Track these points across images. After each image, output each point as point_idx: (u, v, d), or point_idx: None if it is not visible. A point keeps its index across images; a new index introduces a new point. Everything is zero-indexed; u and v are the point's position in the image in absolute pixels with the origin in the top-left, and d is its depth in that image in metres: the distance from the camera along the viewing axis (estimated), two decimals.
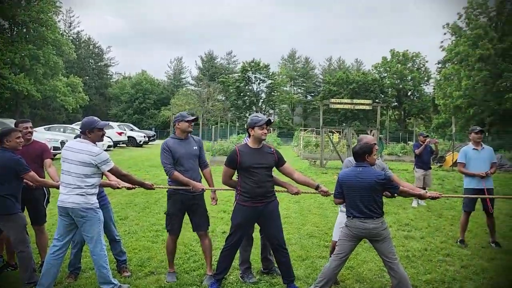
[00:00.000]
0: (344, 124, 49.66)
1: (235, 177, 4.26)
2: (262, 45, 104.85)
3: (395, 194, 4.00)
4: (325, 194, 4.31)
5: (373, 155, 3.99)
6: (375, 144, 4.34)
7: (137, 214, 7.66)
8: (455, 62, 38.32)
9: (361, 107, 16.46)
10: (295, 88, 67.67)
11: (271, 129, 42.24)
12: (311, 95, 65.07)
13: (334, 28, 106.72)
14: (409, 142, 30.58)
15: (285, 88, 62.39)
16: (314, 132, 35.66)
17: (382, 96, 56.07)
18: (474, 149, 6.04)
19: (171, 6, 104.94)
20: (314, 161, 18.16)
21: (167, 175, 4.43)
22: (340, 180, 4.01)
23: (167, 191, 4.52)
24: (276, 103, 58.98)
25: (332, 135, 23.29)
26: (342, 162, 16.54)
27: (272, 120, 4.43)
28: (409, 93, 58.14)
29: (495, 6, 36.08)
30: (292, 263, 4.41)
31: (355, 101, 16.91)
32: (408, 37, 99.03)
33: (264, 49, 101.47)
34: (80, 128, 4.14)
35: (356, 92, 51.83)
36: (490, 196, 5.69)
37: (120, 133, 25.98)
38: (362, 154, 3.95)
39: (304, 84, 66.69)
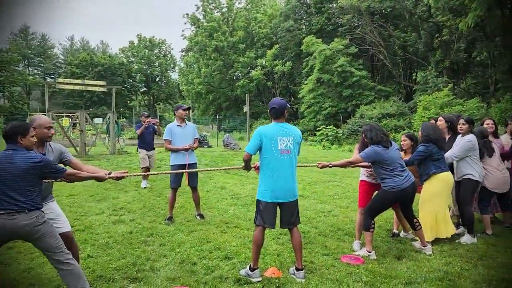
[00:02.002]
0: (91, 109, 46.69)
1: None
2: None
3: (62, 178, 3.37)
4: None
5: (30, 136, 3.23)
6: (50, 127, 3.59)
7: None
8: (196, 51, 41.05)
9: (94, 88, 15.27)
10: (30, 69, 59.20)
11: None
12: (51, 77, 58.24)
13: (77, 5, 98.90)
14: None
15: (17, 68, 53.65)
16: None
17: (130, 81, 55.42)
18: (178, 125, 6.07)
19: None
20: None
21: None
22: None
23: None
24: (5, 85, 49.96)
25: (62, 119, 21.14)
26: (75, 148, 15.11)
27: None
28: (157, 79, 59.50)
29: (226, 2, 40.27)
30: None
31: (86, 81, 15.53)
32: (154, 23, 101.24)
33: None
34: None
35: (102, 75, 49.28)
36: (191, 170, 5.80)
37: None
38: (13, 136, 3.14)
39: (42, 65, 59.12)
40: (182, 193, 7.74)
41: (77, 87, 14.75)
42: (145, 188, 8.59)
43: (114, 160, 13.20)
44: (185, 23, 42.85)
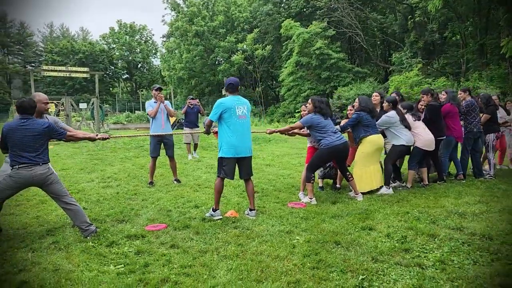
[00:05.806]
0: (74, 96, 46.84)
1: None
2: None
3: (64, 139, 4.35)
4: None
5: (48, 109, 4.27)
6: (47, 102, 4.57)
7: None
8: (176, 37, 41.35)
9: (78, 74, 16.00)
10: (10, 57, 58.71)
11: None
12: (31, 65, 57.88)
13: None
14: (136, 111, 31.73)
15: None
16: None
17: (112, 67, 55.44)
18: (155, 102, 7.06)
19: None
20: None
21: None
22: (4, 132, 4.03)
23: None
24: None
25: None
26: None
27: None
28: (139, 65, 59.54)
29: None
30: None
31: (70, 68, 16.24)
32: (134, 10, 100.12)
33: None
34: None
35: (84, 63, 49.29)
36: (166, 133, 6.81)
37: None
38: (30, 108, 4.06)
39: (22, 53, 58.65)
40: (162, 165, 8.74)
41: (61, 74, 15.45)
42: (190, 159, 10.02)
43: (99, 142, 14.05)
44: (165, 9, 43.01)
